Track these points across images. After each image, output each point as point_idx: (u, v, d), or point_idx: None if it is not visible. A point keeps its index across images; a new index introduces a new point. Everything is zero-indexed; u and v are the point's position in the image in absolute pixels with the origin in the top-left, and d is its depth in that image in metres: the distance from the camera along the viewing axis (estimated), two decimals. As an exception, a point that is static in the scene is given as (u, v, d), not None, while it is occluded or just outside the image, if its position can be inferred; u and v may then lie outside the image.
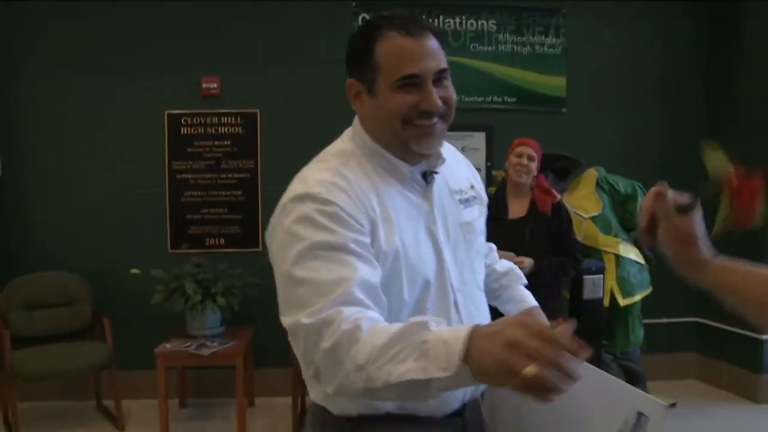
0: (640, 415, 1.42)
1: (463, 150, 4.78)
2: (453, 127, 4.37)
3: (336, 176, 1.39)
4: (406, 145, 1.43)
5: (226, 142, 4.86)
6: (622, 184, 4.47)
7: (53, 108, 4.77)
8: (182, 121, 4.81)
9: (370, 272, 1.28)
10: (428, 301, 1.43)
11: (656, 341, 5.10)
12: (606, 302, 4.29)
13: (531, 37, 5.03)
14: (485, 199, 1.71)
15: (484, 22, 4.99)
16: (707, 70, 5.25)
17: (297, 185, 1.40)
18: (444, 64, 1.41)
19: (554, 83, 5.07)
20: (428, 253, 1.45)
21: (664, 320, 5.29)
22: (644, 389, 4.67)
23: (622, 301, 4.39)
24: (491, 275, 1.85)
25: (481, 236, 1.65)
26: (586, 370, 1.19)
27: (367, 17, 4.80)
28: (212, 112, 4.85)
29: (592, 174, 4.48)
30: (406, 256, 1.39)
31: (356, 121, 1.52)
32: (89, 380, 4.64)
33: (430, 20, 4.80)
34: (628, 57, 5.16)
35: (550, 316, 3.29)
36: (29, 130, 4.78)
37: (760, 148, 4.75)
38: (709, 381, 5.26)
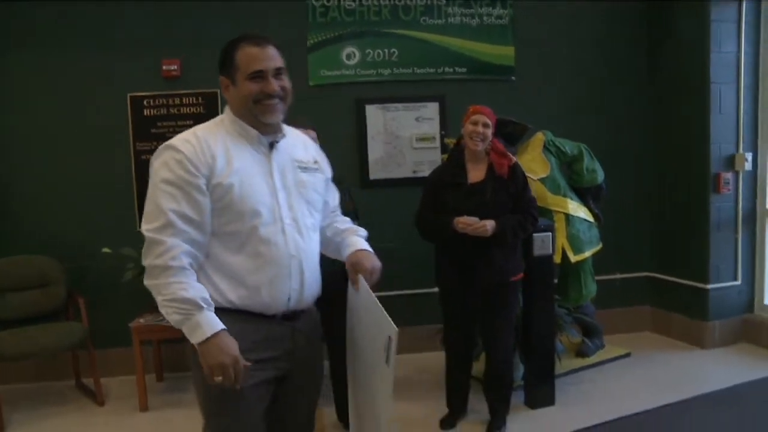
0: (389, 337, 2.05)
1: (417, 120, 5.03)
2: (407, 98, 4.59)
3: (191, 136, 2.08)
4: (257, 118, 2.10)
5: (188, 122, 4.88)
6: (569, 147, 4.63)
7: (18, 93, 4.81)
8: (144, 102, 4.89)
9: (189, 207, 2.01)
10: (261, 225, 2.08)
11: (611, 296, 5.37)
12: (558, 259, 4.47)
13: (479, 9, 5.16)
14: (328, 172, 2.40)
15: (434, -4, 5.12)
16: (648, 35, 5.45)
17: (174, 138, 2.10)
18: (281, 64, 2.12)
19: (503, 53, 5.22)
20: (262, 192, 2.10)
21: (618, 276, 5.51)
22: (600, 341, 4.95)
23: (573, 258, 4.59)
24: (336, 231, 2.46)
25: (316, 195, 2.28)
26: (367, 295, 2.18)
27: (320, -5, 4.97)
28: (173, 93, 4.93)
29: (539, 138, 4.62)
30: (240, 189, 2.05)
31: (227, 107, 2.19)
32: (67, 360, 4.73)
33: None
34: (573, 26, 5.34)
35: (514, 271, 3.50)
36: (3, 113, 4.81)
37: (697, 112, 5.02)
38: (661, 331, 5.52)
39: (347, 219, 2.54)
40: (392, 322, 2.05)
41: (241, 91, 2.08)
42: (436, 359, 3.96)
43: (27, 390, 4.76)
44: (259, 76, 2.07)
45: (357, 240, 2.40)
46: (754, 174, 5.10)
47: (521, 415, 4.01)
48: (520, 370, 4.30)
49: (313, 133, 3.45)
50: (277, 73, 2.11)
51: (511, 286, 3.66)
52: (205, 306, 1.96)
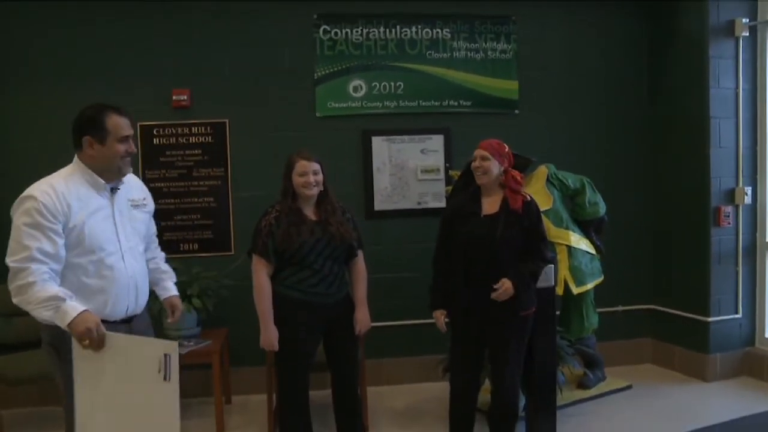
0: (165, 355, 2.53)
1: (422, 152, 5.09)
2: (412, 131, 4.68)
3: (50, 188, 2.60)
4: (120, 170, 2.75)
5: (196, 151, 5.01)
6: (571, 180, 4.68)
7: (28, 120, 4.87)
8: (154, 131, 4.97)
9: (48, 244, 2.53)
10: (106, 256, 2.68)
11: (613, 328, 5.38)
12: (560, 291, 4.51)
13: (483, 44, 5.26)
14: (152, 207, 3.06)
15: (439, 31, 5.21)
16: (649, 70, 5.55)
17: (32, 187, 2.62)
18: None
19: (507, 87, 5.31)
20: (107, 230, 2.72)
21: (620, 308, 5.53)
22: (602, 373, 4.95)
23: (576, 290, 4.63)
24: (157, 268, 3.17)
25: (144, 226, 2.95)
26: (125, 339, 2.61)
27: (328, 29, 5.09)
28: (183, 123, 4.99)
29: (542, 171, 4.68)
30: (90, 230, 2.63)
31: (76, 158, 2.75)
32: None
33: (388, 30, 5.13)
34: (575, 60, 5.44)
35: (525, 306, 3.46)
36: (7, 141, 4.88)
37: (697, 146, 5.08)
38: (663, 364, 5.51)
39: (163, 255, 3.27)
40: (168, 341, 2.62)
41: (111, 150, 2.69)
42: (439, 389, 3.98)
43: (28, 414, 4.77)
44: (126, 139, 2.73)
45: (171, 286, 3.19)
46: (754, 207, 5.15)
47: (523, 447, 4.01)
48: (521, 401, 4.29)
49: (317, 165, 3.53)
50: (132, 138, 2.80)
51: (522, 320, 3.64)
52: (66, 297, 2.51)
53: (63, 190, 2.61)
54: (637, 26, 5.53)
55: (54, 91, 4.87)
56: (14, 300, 2.54)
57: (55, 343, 2.68)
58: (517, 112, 5.34)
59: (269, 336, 3.47)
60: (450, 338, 3.81)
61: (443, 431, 4.00)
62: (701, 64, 5.02)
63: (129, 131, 2.75)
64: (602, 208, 4.75)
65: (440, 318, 3.72)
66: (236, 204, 5.05)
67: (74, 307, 2.51)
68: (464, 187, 3.79)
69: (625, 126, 5.54)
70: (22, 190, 2.60)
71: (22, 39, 4.86)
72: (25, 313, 4.27)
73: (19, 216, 2.56)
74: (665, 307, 5.51)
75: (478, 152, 3.63)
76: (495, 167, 3.58)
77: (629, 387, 4.99)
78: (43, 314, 2.50)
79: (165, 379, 2.53)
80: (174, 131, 5.00)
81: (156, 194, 4.77)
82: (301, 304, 3.48)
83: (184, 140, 5.02)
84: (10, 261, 2.53)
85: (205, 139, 5.03)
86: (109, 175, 2.75)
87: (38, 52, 4.87)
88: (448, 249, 3.70)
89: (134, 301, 2.83)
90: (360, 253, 3.73)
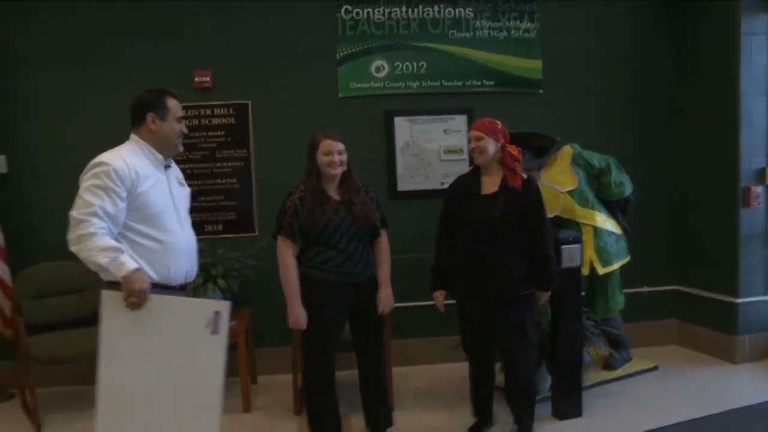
0: (216, 312, 2.82)
1: (445, 132, 5.08)
2: (435, 111, 4.67)
3: (119, 155, 2.87)
4: (175, 146, 3.06)
5: (219, 133, 5.03)
6: (597, 159, 4.61)
7: (52, 105, 4.92)
8: (177, 114, 5.00)
9: (110, 205, 2.77)
10: (164, 216, 2.94)
11: (638, 309, 5.33)
12: (586, 271, 4.47)
13: (507, 23, 5.20)
14: (188, 189, 3.27)
15: (462, 10, 5.16)
16: (677, 47, 5.44)
17: (101, 156, 2.86)
18: None
19: (530, 66, 5.25)
20: (164, 196, 2.98)
21: (645, 289, 5.48)
22: (627, 354, 4.92)
23: (601, 270, 4.58)
24: None
25: (187, 202, 3.21)
26: (172, 300, 2.86)
27: (350, 9, 5.06)
28: (205, 105, 5.01)
29: (567, 150, 4.63)
30: (155, 197, 2.91)
31: (133, 135, 3.03)
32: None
33: (410, 10, 5.10)
34: (600, 39, 5.36)
35: (524, 285, 3.51)
36: (31, 127, 4.93)
37: (726, 125, 4.99)
38: (689, 345, 5.46)
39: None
40: (221, 301, 2.96)
41: (171, 126, 3.01)
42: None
43: (63, 393, 4.84)
44: (181, 120, 3.07)
45: None
46: (784, 188, 5.06)
47: (549, 426, 4.01)
48: (547, 381, 4.30)
49: (341, 145, 3.53)
50: None
51: (522, 299, 3.64)
52: (124, 251, 2.76)
53: (131, 160, 2.88)
54: (664, 1, 5.42)
55: (77, 75, 4.91)
56: (72, 248, 2.75)
57: None
58: (540, 91, 5.29)
59: (297, 315, 3.48)
60: (458, 320, 3.84)
61: (467, 410, 4.04)
62: (732, 40, 4.89)
63: (182, 113, 3.10)
64: (628, 188, 4.69)
65: (440, 298, 3.81)
66: (259, 185, 5.06)
67: (131, 261, 2.75)
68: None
69: (652, 104, 5.46)
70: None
71: (43, 23, 4.89)
72: (56, 295, 4.65)
73: (88, 178, 2.81)
74: (691, 288, 5.45)
75: (472, 133, 3.66)
76: (491, 145, 3.60)
77: (655, 368, 4.95)
78: (101, 260, 2.70)
79: (213, 332, 2.81)
80: (196, 113, 5.01)
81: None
82: (328, 284, 3.48)
83: (207, 122, 5.03)
84: (74, 213, 2.75)
85: (227, 120, 5.04)
86: (167, 151, 3.04)
87: (59, 36, 4.90)
88: (450, 229, 3.73)
89: (192, 268, 3.11)
90: (383, 233, 3.72)
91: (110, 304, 2.74)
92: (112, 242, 2.75)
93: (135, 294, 2.71)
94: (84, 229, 2.71)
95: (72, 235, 2.74)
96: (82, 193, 2.79)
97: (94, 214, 2.73)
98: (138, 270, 2.75)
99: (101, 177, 2.77)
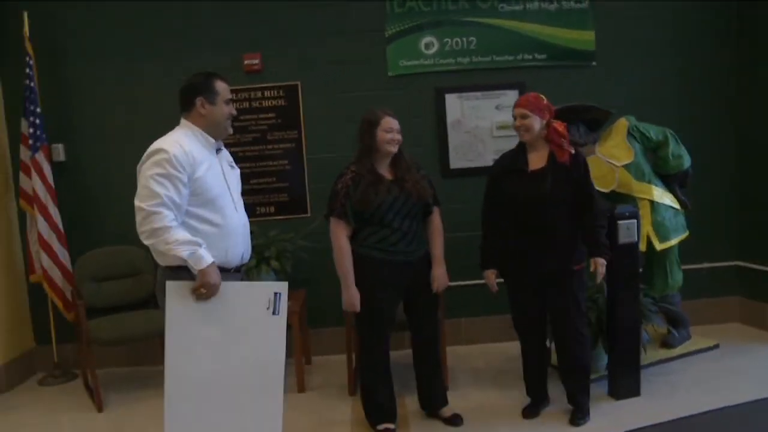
0: (276, 293, 2.93)
1: (497, 108, 5.04)
2: (486, 87, 4.61)
3: (175, 141, 2.87)
4: (225, 129, 3.08)
5: (270, 115, 5.04)
6: (653, 132, 4.49)
7: (107, 93, 5.01)
8: (228, 97, 5.03)
9: (176, 194, 2.80)
10: (221, 200, 2.96)
11: (698, 286, 5.18)
12: (643, 247, 4.35)
13: (557, -7, 5.09)
14: (238, 171, 3.26)
15: (511, -17, 5.06)
16: (738, 11, 5.21)
17: (158, 143, 2.88)
18: None
19: (582, 38, 5.11)
20: (221, 182, 3.00)
21: (705, 265, 5.32)
22: (687, 332, 4.81)
23: (659, 246, 4.47)
24: None
25: (239, 185, 3.21)
26: (234, 286, 2.95)
27: (398, -15, 4.99)
28: (255, 87, 5.02)
29: (622, 123, 4.51)
30: (211, 180, 2.92)
31: (184, 120, 3.04)
32: (158, 346, 4.87)
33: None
34: (654, 6, 5.17)
35: (576, 261, 3.44)
36: (87, 115, 5.03)
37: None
38: (752, 323, 5.29)
39: None
40: (280, 282, 2.99)
41: (220, 109, 3.02)
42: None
43: (122, 373, 4.98)
44: (231, 101, 3.08)
45: None
46: None
47: (605, 406, 3.93)
48: (603, 359, 4.23)
49: (398, 123, 3.51)
50: None
51: (575, 274, 3.61)
52: (202, 244, 2.81)
53: (187, 145, 2.89)
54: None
55: (130, 63, 5.00)
56: (146, 241, 2.81)
57: None
58: (594, 63, 5.15)
59: (351, 297, 3.48)
60: (508, 298, 3.81)
61: (521, 390, 4.00)
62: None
63: (231, 95, 3.09)
64: (687, 161, 4.55)
65: (491, 277, 3.77)
66: (310, 166, 5.07)
67: (208, 255, 2.82)
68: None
69: (710, 73, 5.25)
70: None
71: (96, 12, 4.97)
72: (114, 278, 4.74)
73: (149, 167, 2.82)
74: (754, 263, 5.25)
75: (517, 111, 3.60)
76: (536, 123, 3.54)
77: (716, 347, 4.81)
78: (181, 253, 2.75)
79: (274, 313, 2.92)
80: (247, 96, 5.04)
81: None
82: (382, 264, 3.48)
83: (257, 104, 5.05)
84: (143, 204, 2.78)
85: (277, 102, 5.06)
86: (217, 134, 3.06)
87: (113, 25, 4.98)
88: (497, 207, 3.69)
89: (247, 250, 3.15)
90: (436, 210, 3.71)
91: (175, 294, 2.83)
92: (189, 235, 2.80)
93: (208, 287, 2.80)
94: (158, 222, 2.75)
95: (145, 228, 2.78)
96: (147, 183, 2.80)
97: (163, 205, 2.77)
98: (214, 263, 2.82)
99: (163, 165, 2.79)
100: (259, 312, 2.90)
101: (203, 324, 2.85)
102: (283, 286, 2.96)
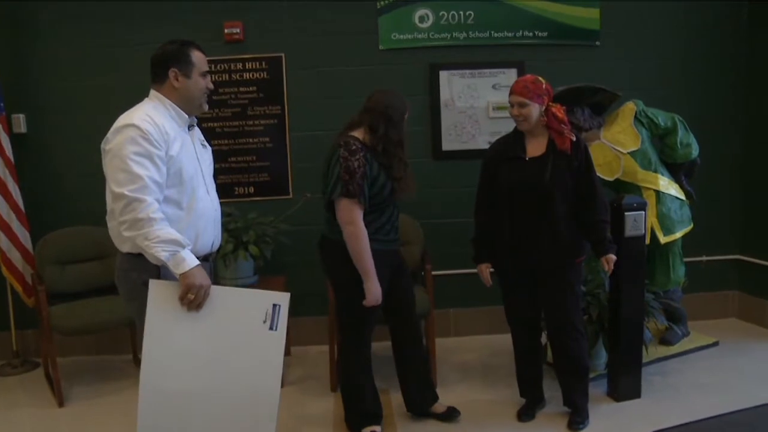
0: (274, 305, 2.56)
1: (494, 87, 4.81)
2: (483, 65, 4.40)
3: (145, 115, 2.60)
4: (200, 105, 2.81)
5: (251, 88, 4.81)
6: (662, 118, 4.30)
7: (73, 61, 4.75)
8: (206, 68, 4.77)
9: (157, 173, 2.54)
10: (194, 182, 2.70)
11: (696, 280, 5.00)
12: (647, 240, 4.17)
13: (562, -33, 4.88)
14: (210, 150, 3.02)
15: (513, -46, 4.83)
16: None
17: (125, 117, 2.61)
18: None
19: (587, 15, 4.90)
20: (192, 159, 2.75)
21: (704, 258, 5.20)
22: (685, 328, 4.64)
23: (663, 239, 4.30)
24: None
25: (211, 165, 2.96)
26: (224, 291, 2.66)
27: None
28: (236, 58, 4.79)
29: (629, 107, 4.31)
30: (183, 160, 2.66)
31: (154, 92, 2.75)
32: (124, 334, 4.67)
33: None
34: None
35: (574, 254, 3.32)
36: (49, 86, 4.77)
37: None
38: (750, 319, 5.18)
39: None
40: (282, 293, 2.62)
41: (196, 83, 2.74)
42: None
43: (85, 363, 4.78)
44: (207, 73, 2.81)
45: None
46: None
47: (605, 408, 3.76)
48: (603, 357, 4.09)
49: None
50: None
51: (573, 266, 3.46)
52: (186, 245, 2.55)
53: (158, 119, 2.63)
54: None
55: (99, 29, 4.74)
56: (126, 233, 2.52)
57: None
58: (598, 43, 4.95)
59: (377, 291, 3.22)
60: (502, 292, 3.67)
61: (513, 387, 3.83)
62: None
63: (207, 67, 2.82)
64: (695, 150, 4.37)
65: (485, 271, 3.62)
66: (294, 144, 4.85)
67: (192, 257, 2.55)
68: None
69: (720, 58, 5.07)
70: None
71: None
72: (79, 261, 4.48)
73: (123, 145, 2.52)
74: (755, 257, 5.12)
75: (514, 99, 3.39)
76: (535, 110, 3.36)
77: (716, 344, 4.67)
78: (159, 254, 2.49)
79: (271, 328, 2.55)
80: (226, 67, 4.79)
81: (209, 135, 4.65)
82: (381, 255, 3.25)
83: (238, 76, 4.80)
84: (125, 190, 2.49)
85: (260, 75, 4.81)
86: (191, 109, 2.80)
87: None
88: (490, 197, 3.53)
89: (217, 236, 2.94)
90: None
91: (158, 295, 2.54)
92: (174, 233, 2.53)
93: (195, 289, 2.54)
94: (141, 211, 2.47)
95: (126, 217, 2.50)
96: (124, 165, 2.50)
97: (147, 189, 2.49)
98: (199, 266, 2.56)
99: (138, 142, 2.52)
100: (253, 325, 2.55)
101: (187, 332, 2.54)
102: (284, 297, 2.60)
